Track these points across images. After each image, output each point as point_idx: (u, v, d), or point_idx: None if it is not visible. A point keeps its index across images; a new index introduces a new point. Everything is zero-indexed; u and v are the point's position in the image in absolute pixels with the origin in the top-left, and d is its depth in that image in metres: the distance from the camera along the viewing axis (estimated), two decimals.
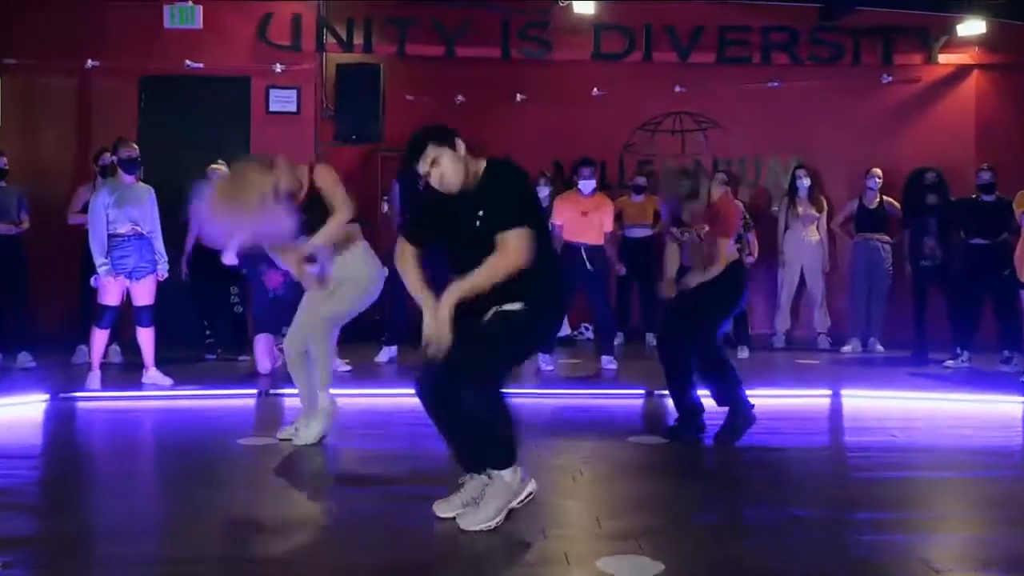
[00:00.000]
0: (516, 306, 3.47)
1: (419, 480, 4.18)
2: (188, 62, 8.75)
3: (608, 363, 7.45)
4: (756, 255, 8.65)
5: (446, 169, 3.48)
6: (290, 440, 4.81)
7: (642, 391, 6.31)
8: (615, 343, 7.95)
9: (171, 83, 8.89)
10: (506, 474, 3.47)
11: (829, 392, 6.42)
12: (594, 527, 3.59)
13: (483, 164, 3.55)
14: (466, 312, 3.42)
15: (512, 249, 3.39)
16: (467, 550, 3.30)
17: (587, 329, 9.49)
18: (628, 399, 6.31)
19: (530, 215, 3.48)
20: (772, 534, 3.55)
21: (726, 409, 5.00)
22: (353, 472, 4.53)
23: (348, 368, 7.10)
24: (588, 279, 7.39)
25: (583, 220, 7.41)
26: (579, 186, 7.54)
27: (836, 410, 6.21)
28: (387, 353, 7.65)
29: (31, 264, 7.65)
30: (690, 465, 4.72)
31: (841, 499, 4.03)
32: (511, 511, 3.49)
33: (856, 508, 3.86)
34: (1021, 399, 6.21)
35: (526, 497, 3.54)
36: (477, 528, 3.40)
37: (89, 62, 8.74)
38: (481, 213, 3.46)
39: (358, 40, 9.19)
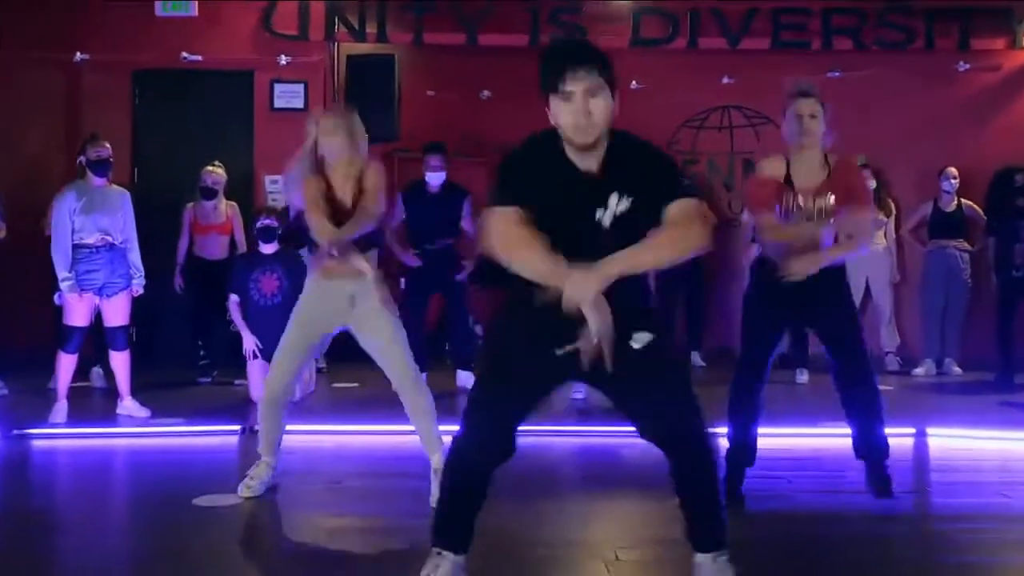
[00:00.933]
0: (647, 337, 2.63)
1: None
2: (185, 54, 8.21)
3: None
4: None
5: (601, 107, 2.54)
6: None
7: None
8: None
9: (167, 77, 8.37)
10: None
11: (912, 431, 5.43)
12: None
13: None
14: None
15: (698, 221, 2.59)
16: None
17: None
18: None
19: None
20: None
21: None
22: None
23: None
24: None
25: None
26: None
27: (921, 454, 5.24)
28: None
29: (7, 277, 7.05)
30: (751, 542, 3.77)
31: None
32: None
33: None
34: None
35: None
36: None
37: (78, 55, 8.20)
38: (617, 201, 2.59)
39: (371, 29, 8.52)
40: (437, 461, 3.85)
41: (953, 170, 7.93)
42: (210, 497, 4.04)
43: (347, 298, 3.95)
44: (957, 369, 7.92)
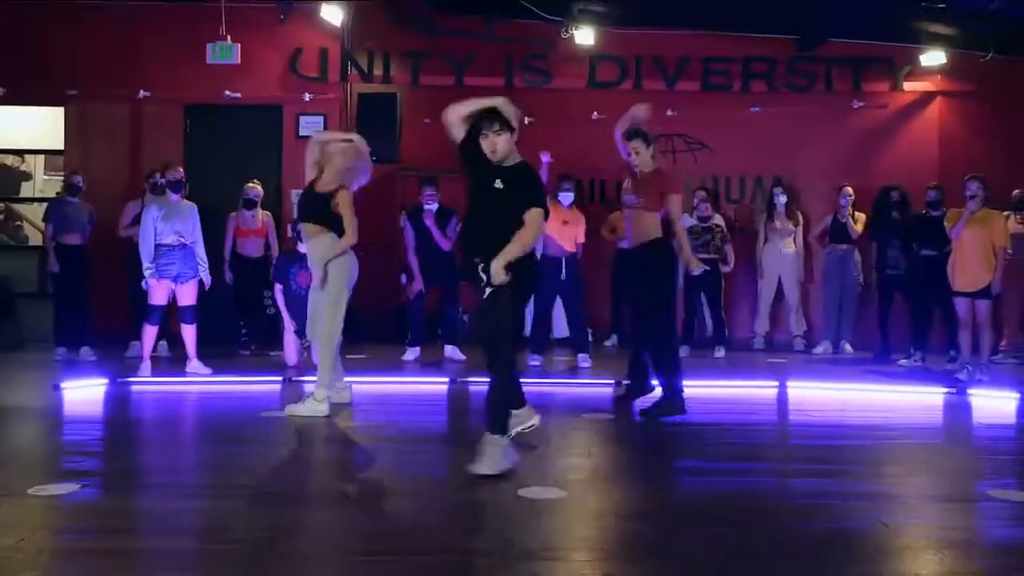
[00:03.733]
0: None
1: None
2: (227, 92, 9.83)
3: (583, 361, 8.41)
4: (732, 264, 9.59)
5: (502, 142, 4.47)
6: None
7: (611, 381, 7.27)
8: (591, 343, 8.84)
9: (212, 111, 9.98)
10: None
11: (776, 383, 7.31)
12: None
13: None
14: None
15: (537, 223, 4.50)
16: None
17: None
18: (597, 387, 7.29)
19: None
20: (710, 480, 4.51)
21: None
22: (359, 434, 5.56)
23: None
24: (566, 286, 8.39)
25: (563, 228, 8.38)
26: (559, 198, 8.48)
27: (783, 400, 7.11)
28: (412, 353, 8.66)
29: (91, 272, 8.77)
30: (627, 436, 5.66)
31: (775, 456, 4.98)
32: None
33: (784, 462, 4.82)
34: (944, 390, 7.09)
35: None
36: None
37: (141, 92, 9.84)
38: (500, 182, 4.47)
39: (378, 71, 10.27)
40: (318, 392, 5.90)
41: (849, 188, 9.58)
42: (267, 411, 5.95)
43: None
44: (849, 348, 9.71)
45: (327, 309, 5.94)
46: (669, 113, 10.45)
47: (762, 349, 10.01)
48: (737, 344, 9.83)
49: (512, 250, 4.43)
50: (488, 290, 4.47)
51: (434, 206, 8.67)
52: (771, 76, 10.45)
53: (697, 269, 6.55)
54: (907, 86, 10.49)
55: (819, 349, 9.73)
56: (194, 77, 9.84)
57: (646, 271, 6.12)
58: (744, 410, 6.48)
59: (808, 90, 10.47)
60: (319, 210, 5.94)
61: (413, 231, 8.72)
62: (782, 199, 9.98)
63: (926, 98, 10.56)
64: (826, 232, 9.83)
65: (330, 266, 5.92)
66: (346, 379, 6.35)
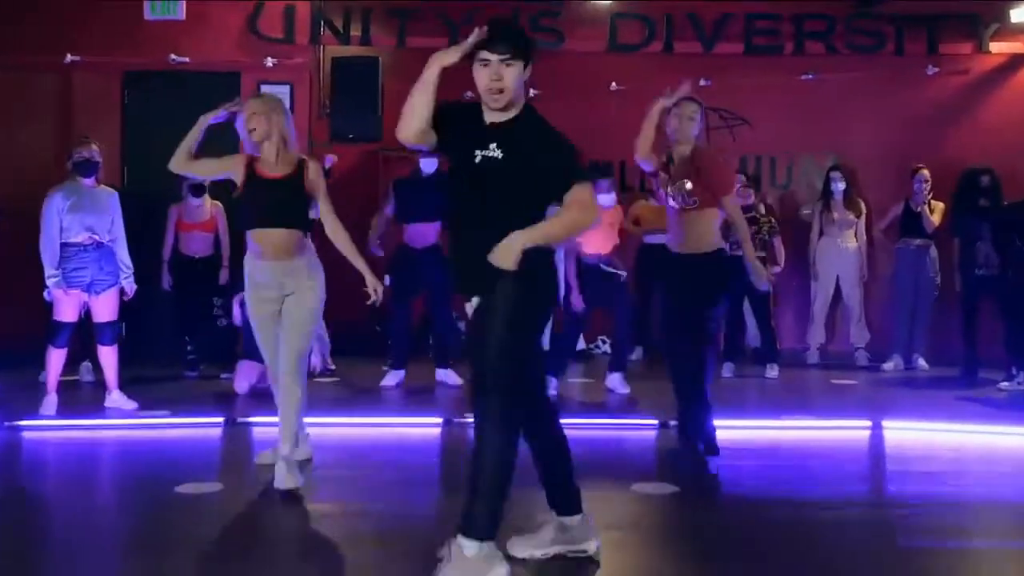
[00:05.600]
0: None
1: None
2: (173, 56, 8.37)
3: (617, 384, 6.75)
4: (782, 263, 7.94)
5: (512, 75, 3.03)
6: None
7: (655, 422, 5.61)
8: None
9: (156, 79, 8.47)
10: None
11: (869, 424, 5.66)
12: None
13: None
14: None
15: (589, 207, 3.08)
16: None
17: (604, 342, 8.85)
18: (638, 431, 5.61)
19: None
20: None
21: None
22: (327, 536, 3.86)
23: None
24: (613, 291, 6.80)
25: (605, 231, 6.70)
26: (598, 200, 6.79)
27: (877, 447, 5.46)
28: (393, 378, 6.99)
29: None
30: (700, 527, 3.97)
31: None
32: None
33: None
34: None
35: None
36: None
37: (69, 57, 8.33)
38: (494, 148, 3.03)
39: (356, 32, 8.75)
40: (287, 450, 4.16)
41: (926, 171, 8.06)
42: (193, 484, 4.25)
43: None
44: (924, 364, 8.12)
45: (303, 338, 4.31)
46: (702, 83, 8.94)
47: (816, 364, 8.40)
48: (785, 358, 8.18)
49: (543, 231, 2.97)
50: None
51: (433, 163, 6.89)
52: (829, 36, 8.90)
53: (765, 284, 5.27)
54: (993, 47, 8.97)
55: (888, 365, 8.12)
56: (133, 38, 8.37)
57: (703, 285, 4.72)
58: (837, 471, 4.80)
59: (873, 53, 8.91)
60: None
61: (395, 202, 7.05)
62: (840, 185, 8.38)
63: (1016, 61, 9.06)
64: (895, 224, 8.31)
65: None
66: (306, 421, 4.64)
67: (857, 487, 4.59)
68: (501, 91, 2.96)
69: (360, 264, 4.37)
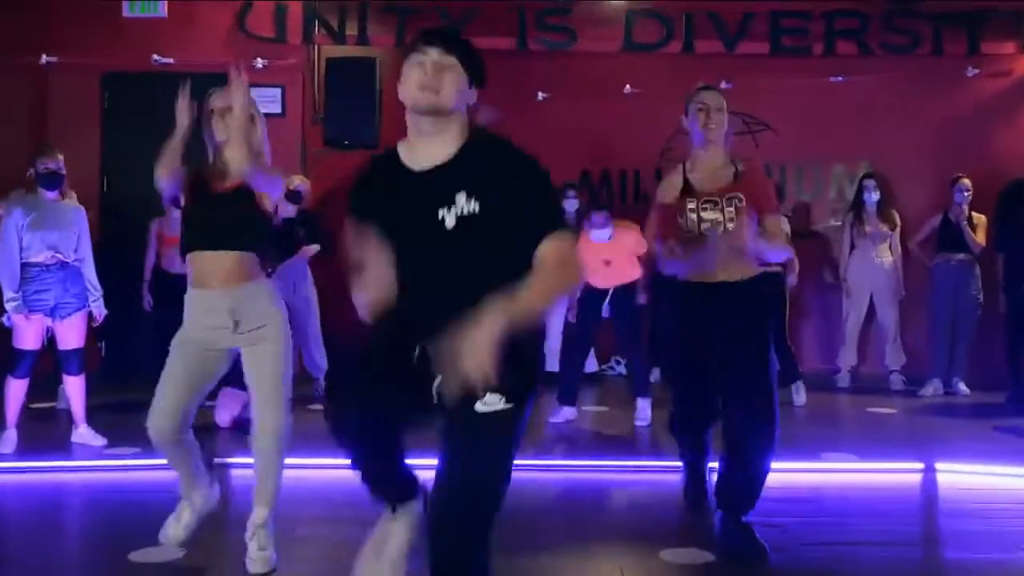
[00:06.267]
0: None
1: None
2: (156, 57, 7.88)
3: (642, 413, 6.16)
4: (796, 274, 7.25)
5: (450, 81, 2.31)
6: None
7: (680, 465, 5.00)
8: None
9: (137, 81, 7.96)
10: None
11: (921, 467, 5.05)
12: None
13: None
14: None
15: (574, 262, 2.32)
16: None
17: (618, 363, 8.31)
18: (666, 473, 5.01)
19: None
20: None
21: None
22: None
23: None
24: (621, 319, 6.26)
25: (607, 270, 6.12)
26: (591, 236, 6.14)
27: (931, 495, 4.85)
28: None
29: None
30: None
31: None
32: None
33: None
34: None
35: None
36: None
37: (44, 58, 7.86)
38: (463, 199, 2.27)
39: (351, 31, 8.25)
40: (260, 515, 3.47)
41: (967, 181, 7.52)
42: (145, 552, 3.66)
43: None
44: (965, 389, 7.55)
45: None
46: (724, 86, 8.37)
47: (847, 388, 7.82)
48: (812, 381, 7.56)
49: (520, 306, 2.14)
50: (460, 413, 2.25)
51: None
52: (862, 35, 8.33)
53: None
54: None
55: (927, 390, 7.54)
56: (114, 38, 7.90)
57: (755, 313, 3.89)
58: (886, 533, 4.20)
59: (909, 53, 8.34)
60: None
61: None
62: (874, 195, 7.82)
63: None
64: (932, 238, 7.74)
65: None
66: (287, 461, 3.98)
67: (923, 551, 3.99)
68: (437, 91, 2.28)
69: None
